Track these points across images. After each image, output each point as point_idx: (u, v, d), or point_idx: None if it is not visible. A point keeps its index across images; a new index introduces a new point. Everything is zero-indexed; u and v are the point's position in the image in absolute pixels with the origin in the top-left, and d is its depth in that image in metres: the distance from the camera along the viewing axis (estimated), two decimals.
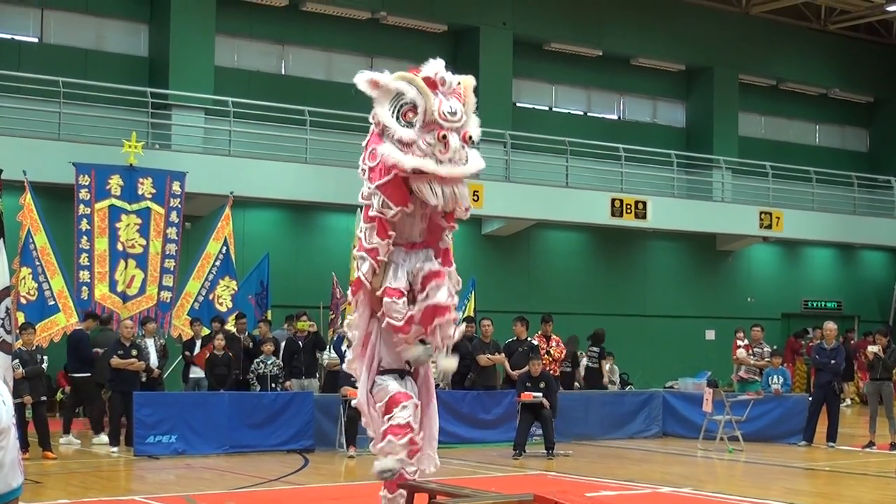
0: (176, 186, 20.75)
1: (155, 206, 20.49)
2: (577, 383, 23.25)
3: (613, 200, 28.97)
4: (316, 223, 26.90)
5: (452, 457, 16.66)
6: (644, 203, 29.40)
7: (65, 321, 19.27)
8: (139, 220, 20.34)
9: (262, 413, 17.28)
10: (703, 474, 15.73)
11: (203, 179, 22.28)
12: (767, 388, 19.65)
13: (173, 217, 20.68)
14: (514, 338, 19.12)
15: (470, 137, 8.47)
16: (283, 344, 20.12)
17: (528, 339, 19.14)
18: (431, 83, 8.45)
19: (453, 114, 8.38)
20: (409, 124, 8.35)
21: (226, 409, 17.13)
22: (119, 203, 20.20)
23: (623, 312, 30.61)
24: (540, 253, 30.16)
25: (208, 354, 18.80)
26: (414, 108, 8.36)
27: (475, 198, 26.52)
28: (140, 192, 20.38)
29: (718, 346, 30.05)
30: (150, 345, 18.90)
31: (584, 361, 23.63)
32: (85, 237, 19.89)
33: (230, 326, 20.27)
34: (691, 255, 32.49)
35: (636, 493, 13.02)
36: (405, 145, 8.28)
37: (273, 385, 18.38)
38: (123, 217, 20.20)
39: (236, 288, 21.22)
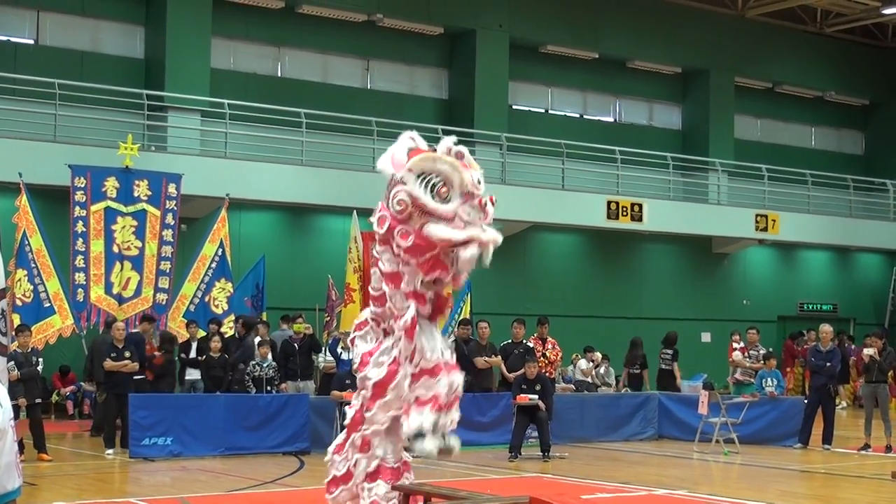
0: (172, 188, 20.73)
1: (151, 209, 20.48)
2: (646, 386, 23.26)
3: (609, 203, 28.97)
4: (312, 225, 26.89)
5: (447, 459, 16.63)
6: (640, 205, 29.40)
7: (60, 323, 19.25)
8: (135, 223, 20.32)
9: (258, 415, 17.25)
10: (698, 476, 15.73)
11: (199, 181, 22.25)
12: (761, 391, 19.65)
13: (169, 219, 20.66)
14: (510, 340, 19.08)
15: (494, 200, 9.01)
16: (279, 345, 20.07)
17: (525, 341, 19.09)
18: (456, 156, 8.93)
19: (480, 182, 8.90)
20: (445, 200, 8.73)
21: (221, 412, 17.10)
22: (115, 205, 20.18)
23: (619, 315, 30.59)
24: (536, 255, 30.16)
25: (162, 362, 18.72)
26: (445, 183, 8.72)
27: None
28: (136, 195, 20.36)
29: (714, 349, 30.04)
30: None
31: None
32: (80, 239, 19.87)
33: (227, 329, 20.26)
34: (687, 257, 32.50)
35: (632, 495, 13.02)
36: (447, 220, 8.70)
37: (269, 387, 18.35)
38: (119, 219, 20.19)
39: (232, 290, 21.20)
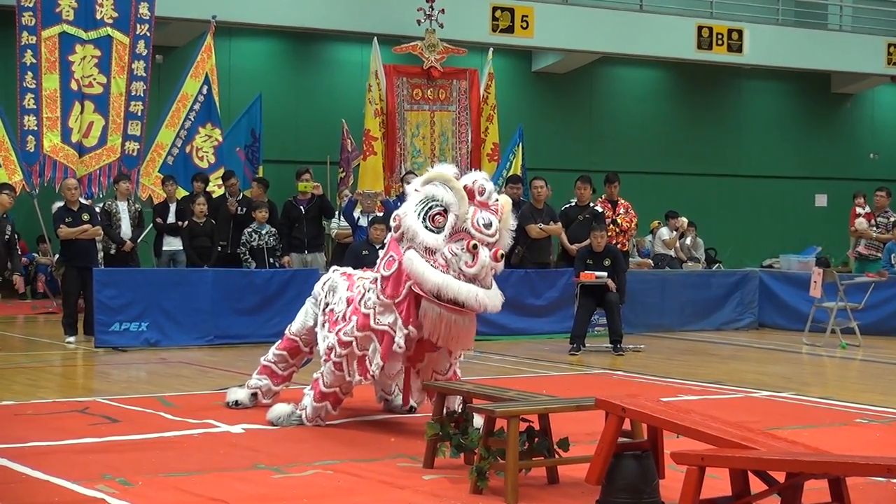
0: (143, 9, 20.61)
1: (117, 35, 20.39)
2: None
3: (700, 28, 28.73)
4: (321, 57, 26.78)
5: (493, 351, 16.74)
6: (739, 32, 29.16)
7: (6, 178, 19.31)
8: (98, 52, 20.25)
9: (255, 296, 17.34)
10: (808, 375, 15.76)
11: (178, 0, 22.13)
12: (890, 268, 19.59)
13: (141, 48, 20.58)
14: (574, 202, 18.99)
15: (502, 256, 9.44)
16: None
17: (592, 204, 19.02)
18: (469, 191, 9.38)
19: (488, 226, 9.34)
20: (438, 229, 9.32)
21: (209, 291, 17.18)
22: (72, 30, 20.10)
23: (710, 172, 30.53)
24: (605, 96, 30.02)
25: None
26: (445, 212, 9.33)
27: (524, 24, 26.27)
28: (98, 17, 20.26)
29: (832, 215, 30.04)
30: (123, 209, 18.79)
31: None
32: (30, 73, 19.82)
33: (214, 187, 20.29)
34: (799, 98, 32.31)
35: (724, 397, 13.05)
36: (427, 252, 9.32)
37: (271, 260, 18.40)
38: (78, 48, 20.12)
39: (221, 138, 21.19)
